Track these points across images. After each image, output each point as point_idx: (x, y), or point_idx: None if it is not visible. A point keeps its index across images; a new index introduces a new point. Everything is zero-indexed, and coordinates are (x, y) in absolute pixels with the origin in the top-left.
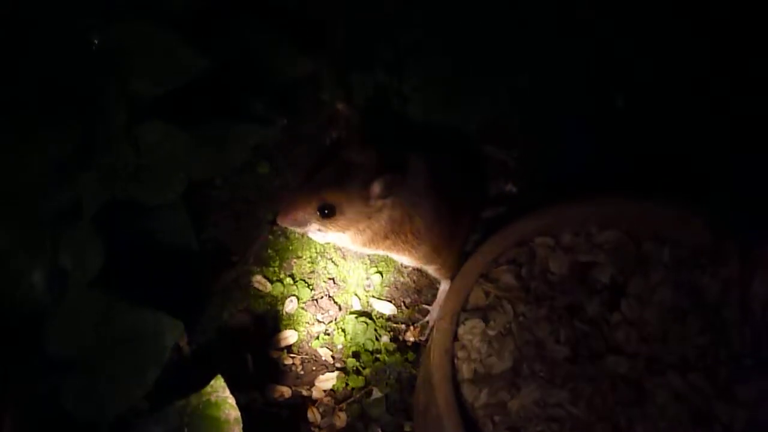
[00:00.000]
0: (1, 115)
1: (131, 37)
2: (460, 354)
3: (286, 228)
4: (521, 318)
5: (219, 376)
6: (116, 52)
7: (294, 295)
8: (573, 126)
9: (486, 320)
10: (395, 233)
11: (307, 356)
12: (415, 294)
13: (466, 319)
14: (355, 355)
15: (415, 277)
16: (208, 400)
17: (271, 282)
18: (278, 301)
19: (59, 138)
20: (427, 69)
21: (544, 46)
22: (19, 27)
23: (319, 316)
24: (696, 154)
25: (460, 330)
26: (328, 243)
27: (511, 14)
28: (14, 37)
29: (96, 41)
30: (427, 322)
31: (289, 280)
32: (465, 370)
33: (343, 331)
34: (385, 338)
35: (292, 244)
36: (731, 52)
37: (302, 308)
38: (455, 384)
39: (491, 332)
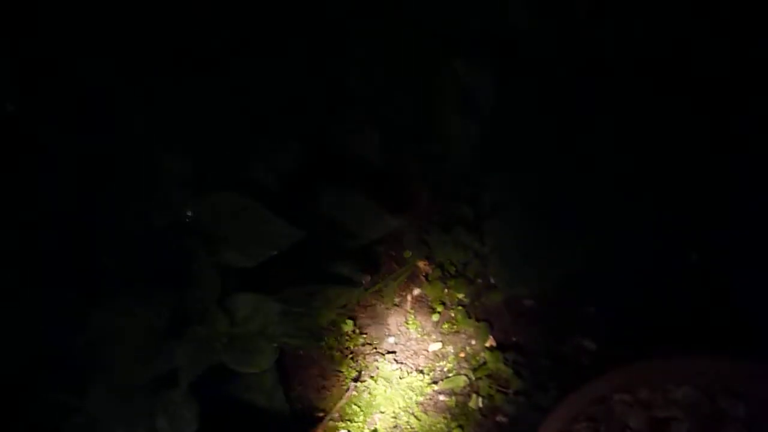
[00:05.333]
0: (97, 286)
1: (224, 210)
2: None
3: (369, 384)
4: None
5: None
6: (209, 224)
7: None
8: (648, 281)
9: None
10: None
11: None
12: None
13: None
14: None
15: None
16: None
17: None
18: None
19: (156, 309)
20: (506, 229)
21: (621, 206)
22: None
23: None
24: None
25: None
26: (411, 398)
27: (590, 173)
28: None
29: (189, 213)
30: None
31: None
32: None
33: None
34: None
35: (375, 399)
36: None
37: None
38: None
39: None
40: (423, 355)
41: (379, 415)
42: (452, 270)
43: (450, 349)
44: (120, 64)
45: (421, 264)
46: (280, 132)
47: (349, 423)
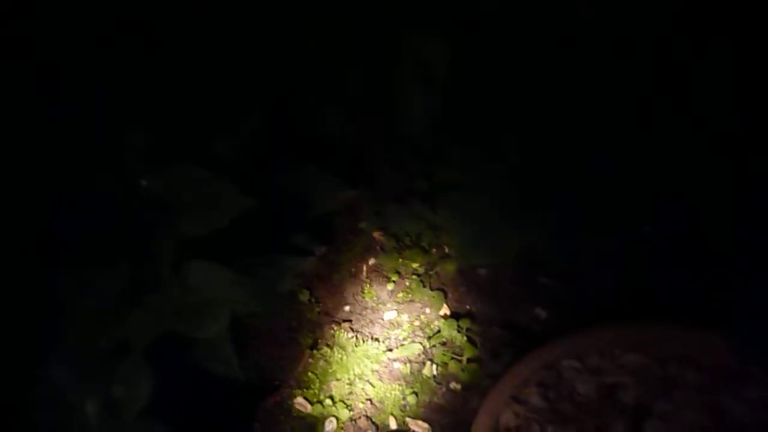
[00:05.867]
0: (53, 256)
1: (179, 180)
2: None
3: (325, 352)
4: None
5: None
6: (164, 194)
7: (333, 415)
8: (601, 254)
9: None
10: None
11: None
12: (450, 414)
13: None
14: None
15: (449, 398)
16: None
17: (312, 403)
18: (318, 421)
19: (110, 278)
20: (460, 202)
21: (575, 180)
22: (73, 170)
23: None
24: (721, 280)
25: None
26: (366, 366)
27: (544, 150)
28: (67, 181)
29: (145, 184)
30: None
31: (328, 401)
32: None
33: None
34: None
35: (331, 367)
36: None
37: (341, 428)
38: None
39: None
40: (378, 323)
41: (335, 383)
42: (407, 240)
43: (405, 317)
44: (85, 38)
45: (376, 235)
46: (239, 106)
47: (305, 390)
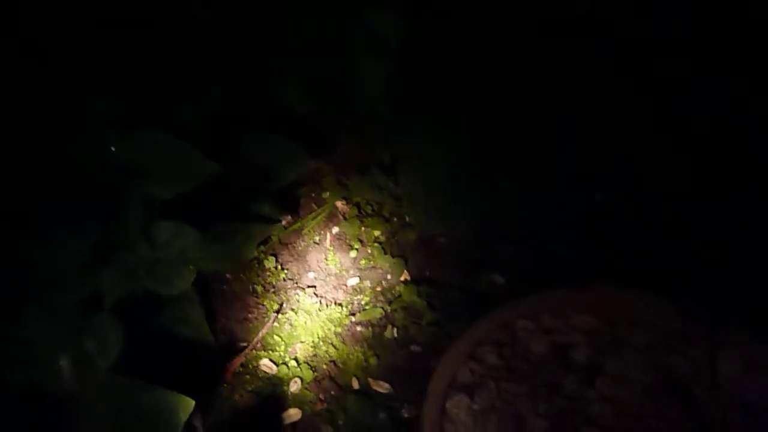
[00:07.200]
0: (27, 216)
1: (147, 145)
2: (448, 427)
3: (290, 316)
4: (504, 394)
5: None
6: (133, 158)
7: (298, 376)
8: (555, 222)
9: (472, 396)
10: None
11: None
12: (411, 374)
13: (454, 395)
14: (355, 431)
15: (409, 359)
16: None
17: (277, 365)
18: (283, 382)
19: (80, 237)
20: (420, 173)
21: (531, 151)
22: (44, 135)
23: (322, 396)
24: (668, 248)
25: (448, 404)
26: (330, 329)
27: (501, 122)
28: (39, 143)
29: (114, 149)
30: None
31: (293, 363)
32: None
33: (344, 409)
34: (382, 415)
35: (296, 331)
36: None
37: (306, 389)
38: None
39: (476, 407)
40: (342, 289)
41: (300, 345)
42: (368, 210)
43: (367, 283)
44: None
45: (339, 204)
46: (203, 77)
47: (271, 352)
